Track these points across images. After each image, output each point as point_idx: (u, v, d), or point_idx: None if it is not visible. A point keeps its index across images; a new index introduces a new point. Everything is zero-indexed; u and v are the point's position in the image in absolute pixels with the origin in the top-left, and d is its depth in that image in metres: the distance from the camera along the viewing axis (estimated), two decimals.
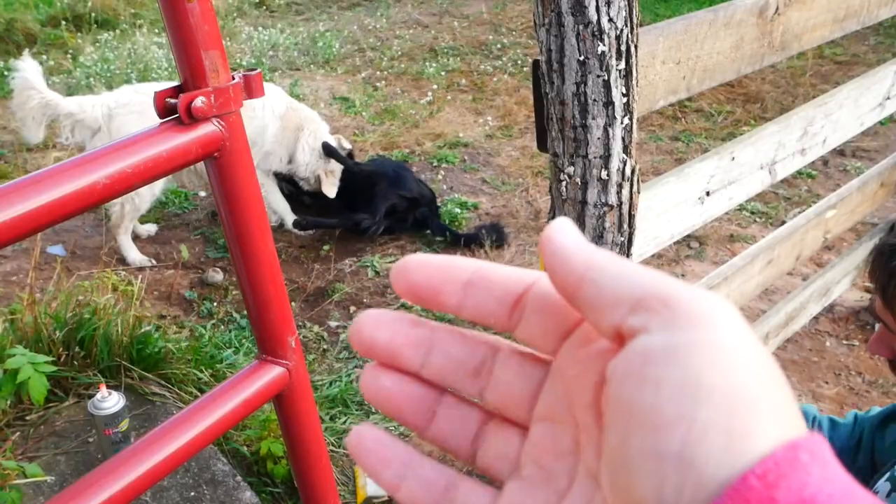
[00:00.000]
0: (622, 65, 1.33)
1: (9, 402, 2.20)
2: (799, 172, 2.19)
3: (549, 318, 0.31)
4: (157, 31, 6.80)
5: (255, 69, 0.95)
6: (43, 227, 0.76)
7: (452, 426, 0.33)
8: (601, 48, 1.29)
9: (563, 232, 0.30)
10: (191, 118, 0.87)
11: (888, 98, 2.59)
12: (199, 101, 0.87)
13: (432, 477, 0.32)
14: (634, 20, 1.31)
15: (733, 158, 1.93)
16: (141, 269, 3.47)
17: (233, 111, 0.91)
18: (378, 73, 6.19)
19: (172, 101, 0.87)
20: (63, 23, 6.64)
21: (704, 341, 0.25)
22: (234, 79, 0.91)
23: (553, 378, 0.32)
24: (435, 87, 5.85)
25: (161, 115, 0.88)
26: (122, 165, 0.82)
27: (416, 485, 0.32)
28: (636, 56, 1.36)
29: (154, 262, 3.63)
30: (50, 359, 2.04)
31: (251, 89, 0.94)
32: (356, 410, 2.72)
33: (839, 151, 4.61)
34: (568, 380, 0.30)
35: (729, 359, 0.24)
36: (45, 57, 5.95)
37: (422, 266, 0.32)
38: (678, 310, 0.26)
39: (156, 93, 0.88)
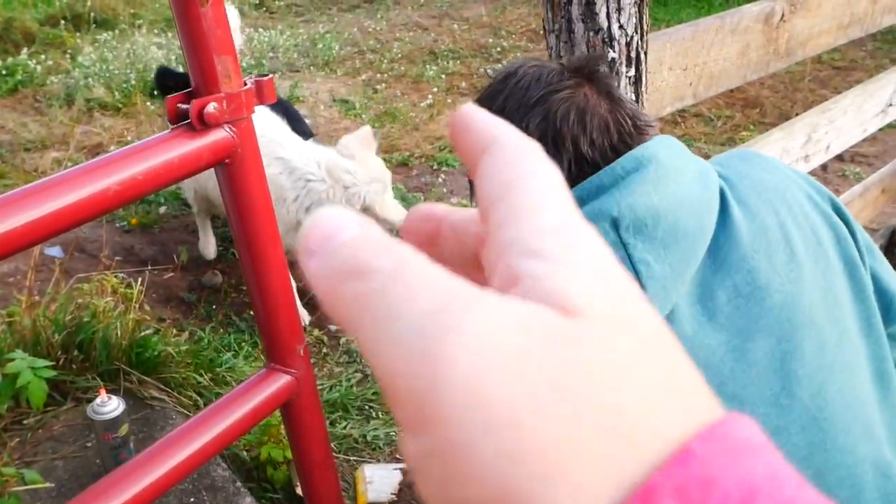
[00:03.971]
0: (632, 72, 1.32)
1: (6, 407, 2.18)
2: None
3: None
4: (156, 31, 6.78)
5: (267, 74, 0.94)
6: (55, 233, 0.75)
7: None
8: (611, 55, 1.29)
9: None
10: (203, 124, 0.86)
11: (890, 104, 2.59)
12: (211, 107, 0.86)
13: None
14: (644, 27, 1.31)
15: None
16: (140, 271, 3.46)
17: (244, 117, 0.90)
18: (378, 75, 6.18)
19: (184, 106, 0.86)
20: (62, 22, 6.61)
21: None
22: (245, 84, 0.90)
23: None
24: (435, 89, 5.84)
25: (172, 121, 0.87)
26: (134, 171, 0.81)
27: None
28: (646, 63, 1.36)
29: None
30: (49, 363, 2.02)
31: (263, 95, 0.93)
32: (356, 415, 2.71)
33: (837, 156, 4.62)
34: None
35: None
36: (43, 56, 5.93)
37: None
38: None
39: (167, 98, 0.87)
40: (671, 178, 0.95)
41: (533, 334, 0.21)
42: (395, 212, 3.18)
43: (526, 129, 0.96)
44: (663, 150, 0.97)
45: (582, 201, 0.94)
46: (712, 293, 0.95)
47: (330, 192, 3.06)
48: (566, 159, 0.96)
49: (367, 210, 3.10)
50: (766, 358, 0.94)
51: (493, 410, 0.20)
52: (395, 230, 3.34)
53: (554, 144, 0.96)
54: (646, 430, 0.21)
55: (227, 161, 0.91)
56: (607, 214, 0.91)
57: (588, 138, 0.95)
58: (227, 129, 0.89)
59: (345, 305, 0.23)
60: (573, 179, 0.96)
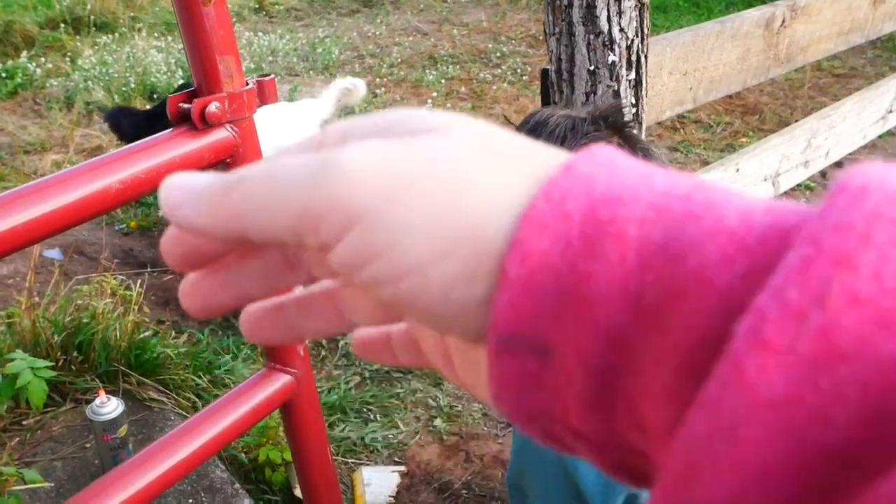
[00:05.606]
0: (632, 75, 1.33)
1: (5, 407, 2.18)
2: (797, 184, 2.21)
3: None
4: (155, 35, 6.79)
5: (269, 75, 0.94)
6: (58, 231, 0.75)
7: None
8: (612, 58, 1.29)
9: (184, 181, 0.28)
10: (204, 124, 0.86)
11: (890, 111, 2.60)
12: (213, 107, 0.86)
13: None
14: (645, 31, 1.31)
15: (738, 170, 1.93)
16: (139, 273, 3.46)
17: (246, 117, 0.90)
18: (378, 80, 6.19)
19: (186, 106, 0.87)
20: (62, 25, 6.62)
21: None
22: (247, 84, 0.91)
23: None
24: (434, 94, 5.85)
25: (174, 121, 0.87)
26: (135, 170, 0.81)
27: None
28: (646, 66, 1.36)
29: None
30: (49, 364, 2.02)
31: (264, 95, 0.93)
32: (354, 418, 2.71)
33: (836, 163, 4.62)
34: None
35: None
36: (43, 59, 5.94)
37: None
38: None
39: (168, 98, 0.87)
40: None
41: (396, 145, 0.24)
42: None
43: None
44: None
45: None
46: None
47: None
48: None
49: None
50: None
51: (392, 176, 0.24)
52: None
53: None
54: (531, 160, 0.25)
55: (228, 160, 0.91)
56: None
57: None
58: (229, 129, 0.89)
59: (232, 206, 0.25)
60: None
